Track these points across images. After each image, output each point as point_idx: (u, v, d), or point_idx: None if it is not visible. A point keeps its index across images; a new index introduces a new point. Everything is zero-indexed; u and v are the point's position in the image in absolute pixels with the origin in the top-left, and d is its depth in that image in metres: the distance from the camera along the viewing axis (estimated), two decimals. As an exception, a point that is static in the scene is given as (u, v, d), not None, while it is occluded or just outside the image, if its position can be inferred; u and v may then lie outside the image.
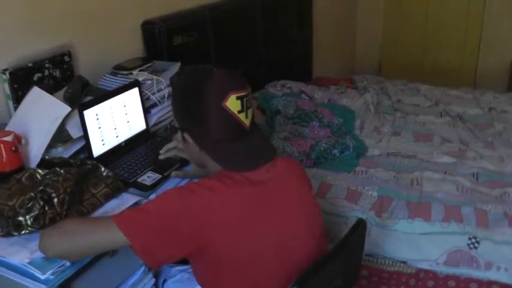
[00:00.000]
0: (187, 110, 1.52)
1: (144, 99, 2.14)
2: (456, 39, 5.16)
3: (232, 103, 1.46)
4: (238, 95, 1.47)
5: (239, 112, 1.47)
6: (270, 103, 3.21)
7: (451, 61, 5.22)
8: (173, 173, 1.84)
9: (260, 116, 3.14)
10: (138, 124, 2.11)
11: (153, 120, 2.19)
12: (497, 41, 5.11)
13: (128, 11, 2.61)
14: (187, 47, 2.85)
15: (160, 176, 1.81)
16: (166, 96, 2.24)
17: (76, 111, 1.86)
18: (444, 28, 5.19)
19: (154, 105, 2.21)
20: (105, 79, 2.29)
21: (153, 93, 2.20)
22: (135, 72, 2.27)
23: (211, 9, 3.05)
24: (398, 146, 3.04)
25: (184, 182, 1.77)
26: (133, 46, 2.66)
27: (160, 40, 2.69)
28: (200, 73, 1.52)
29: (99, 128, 1.91)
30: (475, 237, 2.27)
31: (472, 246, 2.27)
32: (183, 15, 2.88)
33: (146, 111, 2.16)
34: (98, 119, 1.90)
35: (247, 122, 1.51)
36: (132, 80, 2.17)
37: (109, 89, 2.17)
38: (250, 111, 1.52)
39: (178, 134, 1.61)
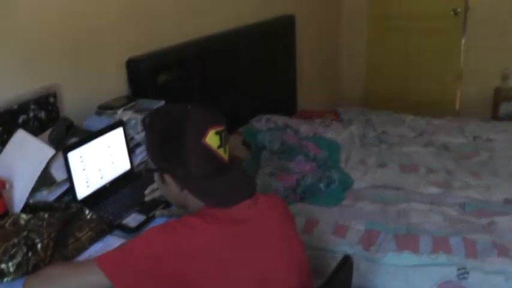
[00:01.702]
0: (167, 151, 1.50)
1: (128, 139, 2.14)
2: (436, 70, 5.24)
3: (212, 139, 1.46)
4: (217, 130, 1.47)
5: (219, 147, 1.48)
6: (256, 138, 3.21)
7: (433, 91, 5.28)
8: (158, 213, 1.83)
9: (245, 151, 3.14)
10: (123, 164, 2.11)
11: (137, 160, 2.19)
12: (479, 70, 5.17)
13: (112, 49, 2.62)
14: (172, 84, 2.86)
15: (145, 217, 1.81)
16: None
17: (60, 154, 1.85)
18: (424, 59, 5.27)
19: (138, 144, 2.21)
20: (90, 119, 2.29)
21: (138, 133, 2.20)
22: (119, 111, 2.28)
23: (195, 45, 3.07)
24: (384, 178, 3.04)
25: (169, 221, 1.76)
26: (118, 84, 2.66)
27: (144, 78, 2.70)
28: (176, 113, 1.52)
29: (84, 169, 1.90)
30: (464, 268, 2.26)
31: (461, 277, 2.26)
32: (167, 52, 2.89)
33: (131, 151, 2.15)
34: (82, 160, 1.89)
35: (226, 156, 1.51)
36: (116, 120, 2.17)
37: (94, 129, 2.17)
38: (228, 146, 1.52)
39: (156, 176, 1.60)
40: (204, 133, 1.45)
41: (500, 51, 5.01)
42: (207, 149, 1.46)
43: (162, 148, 1.52)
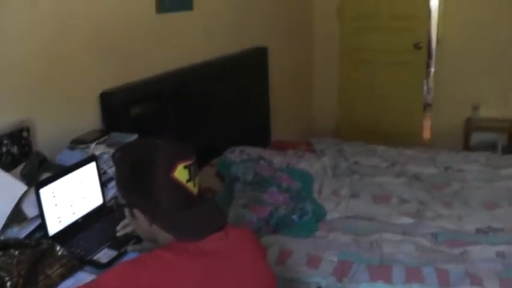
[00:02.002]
0: (136, 186, 1.51)
1: (101, 174, 2.14)
2: (402, 101, 5.33)
3: (181, 173, 1.47)
4: (186, 164, 1.48)
5: (187, 181, 1.49)
6: (229, 170, 3.22)
7: (401, 122, 5.36)
8: (130, 248, 1.82)
9: (219, 183, 3.15)
10: (95, 199, 2.10)
11: (110, 194, 2.18)
12: (450, 100, 5.28)
13: (86, 82, 2.61)
14: (146, 117, 2.86)
15: (116, 252, 1.80)
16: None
17: (32, 190, 1.84)
18: (391, 92, 5.36)
19: (111, 179, 2.20)
20: (63, 154, 2.28)
21: (110, 167, 2.20)
22: (92, 145, 2.28)
23: (169, 78, 3.09)
24: (357, 209, 3.07)
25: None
26: (92, 118, 2.65)
27: (118, 111, 2.69)
28: (145, 147, 1.54)
29: (56, 205, 1.89)
30: (437, 298, 2.27)
31: (435, 306, 2.27)
32: (141, 84, 2.89)
33: (103, 185, 2.15)
34: (54, 196, 1.88)
35: (195, 190, 1.52)
36: (89, 155, 2.17)
37: (67, 163, 2.16)
38: (197, 180, 1.53)
39: (126, 211, 1.60)
40: (172, 168, 1.46)
41: (469, 82, 5.12)
42: (176, 183, 1.47)
43: (131, 183, 1.53)
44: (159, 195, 1.48)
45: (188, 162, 1.49)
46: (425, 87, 5.60)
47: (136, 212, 1.54)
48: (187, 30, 3.39)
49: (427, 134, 5.80)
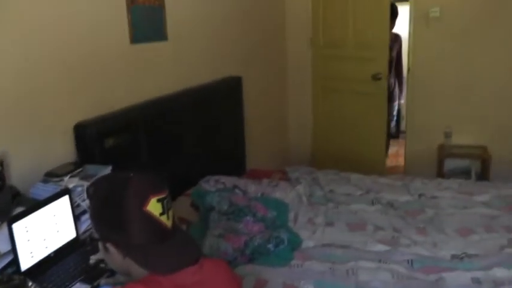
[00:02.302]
0: (109, 220, 1.51)
1: (74, 207, 2.13)
2: (366, 130, 5.35)
3: (153, 206, 1.47)
4: (159, 197, 1.48)
5: (161, 214, 1.49)
6: (204, 199, 3.21)
7: (367, 151, 5.38)
8: (103, 281, 1.81)
9: (194, 213, 3.15)
10: (68, 232, 2.09)
11: (83, 227, 2.17)
12: (422, 128, 5.35)
13: (60, 114, 2.60)
14: (120, 148, 2.85)
15: (89, 286, 1.79)
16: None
17: (5, 225, 1.83)
18: (358, 120, 5.39)
19: (84, 211, 2.19)
20: (36, 187, 2.27)
21: (83, 200, 2.20)
22: (66, 178, 2.27)
23: (143, 108, 3.08)
24: (332, 237, 3.06)
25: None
26: (66, 150, 2.63)
27: (91, 143, 2.67)
28: (118, 181, 1.53)
29: (28, 240, 1.88)
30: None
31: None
32: (114, 116, 2.88)
33: (76, 218, 2.14)
34: (27, 231, 1.87)
35: (168, 223, 1.52)
36: (62, 188, 2.16)
37: (40, 197, 2.14)
38: (171, 212, 1.53)
39: (99, 245, 1.60)
40: (145, 201, 1.46)
41: (441, 109, 5.20)
42: (149, 217, 1.47)
43: (104, 217, 1.53)
44: (132, 228, 1.47)
45: (161, 196, 1.50)
46: (394, 116, 5.67)
47: (109, 245, 1.53)
48: (162, 61, 3.40)
49: (400, 161, 5.87)
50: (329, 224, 3.25)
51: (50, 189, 2.21)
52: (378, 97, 5.17)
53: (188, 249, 1.58)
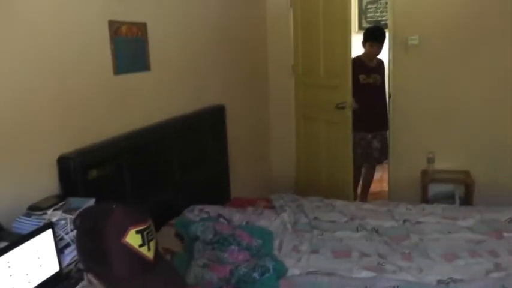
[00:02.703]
0: (89, 251, 1.50)
1: (57, 240, 2.12)
2: (337, 159, 5.33)
3: (132, 238, 1.46)
4: (138, 229, 1.47)
5: (140, 246, 1.47)
6: (188, 229, 3.20)
7: (338, 178, 5.35)
8: None
9: (178, 243, 3.14)
10: (51, 266, 2.07)
11: (66, 260, 2.15)
12: (405, 154, 5.39)
13: (44, 147, 2.59)
14: (104, 180, 2.83)
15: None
16: (79, 235, 2.23)
17: (-13, 261, 1.82)
18: (330, 149, 5.41)
19: (67, 245, 2.18)
20: (19, 221, 2.25)
21: (67, 233, 2.19)
22: (49, 212, 2.26)
23: (127, 139, 3.08)
24: (317, 264, 3.05)
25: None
26: (49, 183, 2.61)
27: (75, 175, 2.66)
28: (99, 213, 1.52)
29: (11, 275, 1.86)
30: None
31: None
32: (98, 147, 2.87)
33: (60, 251, 2.13)
34: (9, 266, 1.85)
35: (150, 254, 1.50)
36: (46, 221, 2.15)
37: (23, 231, 2.13)
38: (152, 243, 1.51)
39: (84, 276, 1.59)
40: (124, 232, 1.45)
41: (423, 135, 5.24)
42: (128, 249, 1.46)
43: (87, 248, 1.52)
44: (112, 261, 1.47)
45: (141, 227, 1.48)
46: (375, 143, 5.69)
47: (90, 277, 1.53)
48: (145, 91, 3.41)
49: (384, 187, 5.89)
50: (314, 251, 3.24)
51: (33, 223, 2.20)
52: (342, 125, 5.09)
53: (172, 280, 1.57)
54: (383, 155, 5.74)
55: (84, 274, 1.58)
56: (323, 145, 5.45)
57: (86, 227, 1.54)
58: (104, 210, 1.52)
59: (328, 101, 5.14)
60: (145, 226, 1.50)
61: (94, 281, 1.52)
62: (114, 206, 1.52)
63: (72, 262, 2.18)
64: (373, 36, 5.56)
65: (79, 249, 1.57)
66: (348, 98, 4.93)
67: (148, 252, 1.50)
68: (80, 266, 1.62)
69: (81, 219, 1.59)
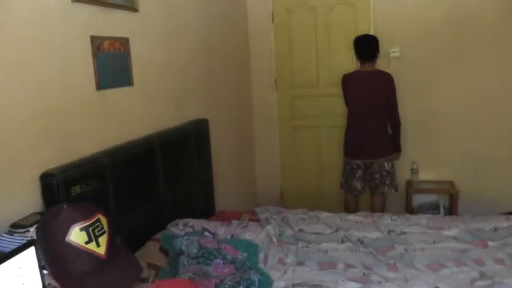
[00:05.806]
0: (44, 252, 1.53)
1: (40, 258, 2.10)
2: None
3: (77, 236, 1.46)
4: (81, 226, 1.47)
5: (87, 243, 1.47)
6: (173, 243, 3.19)
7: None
8: None
9: (163, 258, 3.12)
10: (34, 284, 2.05)
11: (49, 278, 2.14)
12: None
13: (26, 163, 2.55)
14: (86, 196, 2.81)
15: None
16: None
17: (-32, 281, 1.80)
18: (329, 160, 5.44)
19: (50, 262, 2.17)
20: (2, 239, 2.22)
21: (50, 250, 2.17)
22: (32, 229, 2.23)
23: (110, 154, 3.05)
24: (303, 276, 3.06)
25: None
26: (33, 200, 2.58)
27: (58, 192, 2.64)
28: (49, 214, 1.55)
29: (-8, 294, 1.85)
30: None
31: None
32: (81, 163, 2.84)
33: (42, 268, 2.11)
34: (-10, 285, 1.84)
35: (100, 250, 1.50)
36: (28, 239, 2.13)
37: (6, 249, 2.10)
38: (102, 239, 1.51)
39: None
40: (67, 231, 1.46)
41: (406, 145, 5.26)
42: (73, 247, 1.46)
43: (42, 250, 1.56)
44: (63, 261, 1.48)
45: (85, 224, 1.49)
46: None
47: (50, 278, 1.54)
48: (128, 106, 3.40)
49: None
50: (300, 263, 3.25)
51: (16, 240, 2.18)
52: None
53: (126, 275, 1.56)
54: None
55: (46, 276, 1.58)
56: (313, 155, 5.56)
57: (39, 229, 1.57)
58: (53, 211, 1.54)
59: (325, 109, 5.36)
60: (90, 222, 1.50)
61: (53, 282, 1.52)
62: (64, 206, 1.53)
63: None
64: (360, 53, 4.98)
65: (40, 251, 1.59)
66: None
67: (98, 248, 1.49)
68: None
69: (40, 224, 1.60)
